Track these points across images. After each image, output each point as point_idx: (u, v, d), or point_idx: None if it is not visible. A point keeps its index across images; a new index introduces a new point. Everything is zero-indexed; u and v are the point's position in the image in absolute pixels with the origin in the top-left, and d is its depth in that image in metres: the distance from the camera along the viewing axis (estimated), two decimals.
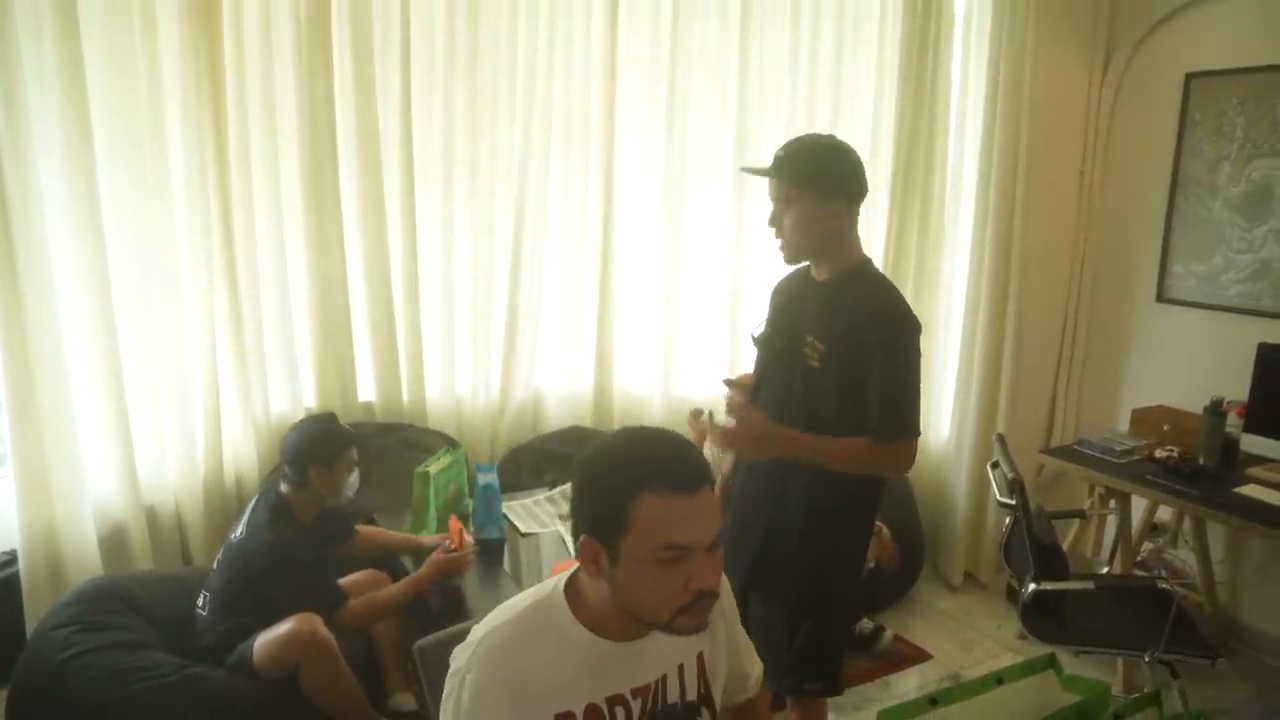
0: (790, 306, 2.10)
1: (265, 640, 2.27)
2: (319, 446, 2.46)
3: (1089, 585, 2.74)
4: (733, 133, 3.51)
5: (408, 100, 3.02)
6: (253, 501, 2.51)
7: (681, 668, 1.33)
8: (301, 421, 2.62)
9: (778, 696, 2.14)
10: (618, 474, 1.17)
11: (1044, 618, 2.67)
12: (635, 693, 1.28)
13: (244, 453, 2.97)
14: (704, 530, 1.16)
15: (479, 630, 1.27)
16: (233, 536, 2.44)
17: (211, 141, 2.72)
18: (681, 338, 3.60)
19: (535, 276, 3.32)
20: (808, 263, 2.08)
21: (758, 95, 3.53)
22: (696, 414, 3.30)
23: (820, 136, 2.01)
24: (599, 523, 1.18)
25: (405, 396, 3.24)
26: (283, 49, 2.83)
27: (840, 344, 1.92)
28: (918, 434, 1.94)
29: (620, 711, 1.27)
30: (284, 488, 2.47)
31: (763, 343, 2.16)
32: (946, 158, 3.75)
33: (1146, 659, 2.57)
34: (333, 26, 2.87)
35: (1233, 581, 3.68)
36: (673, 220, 3.48)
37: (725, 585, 1.40)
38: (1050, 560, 2.70)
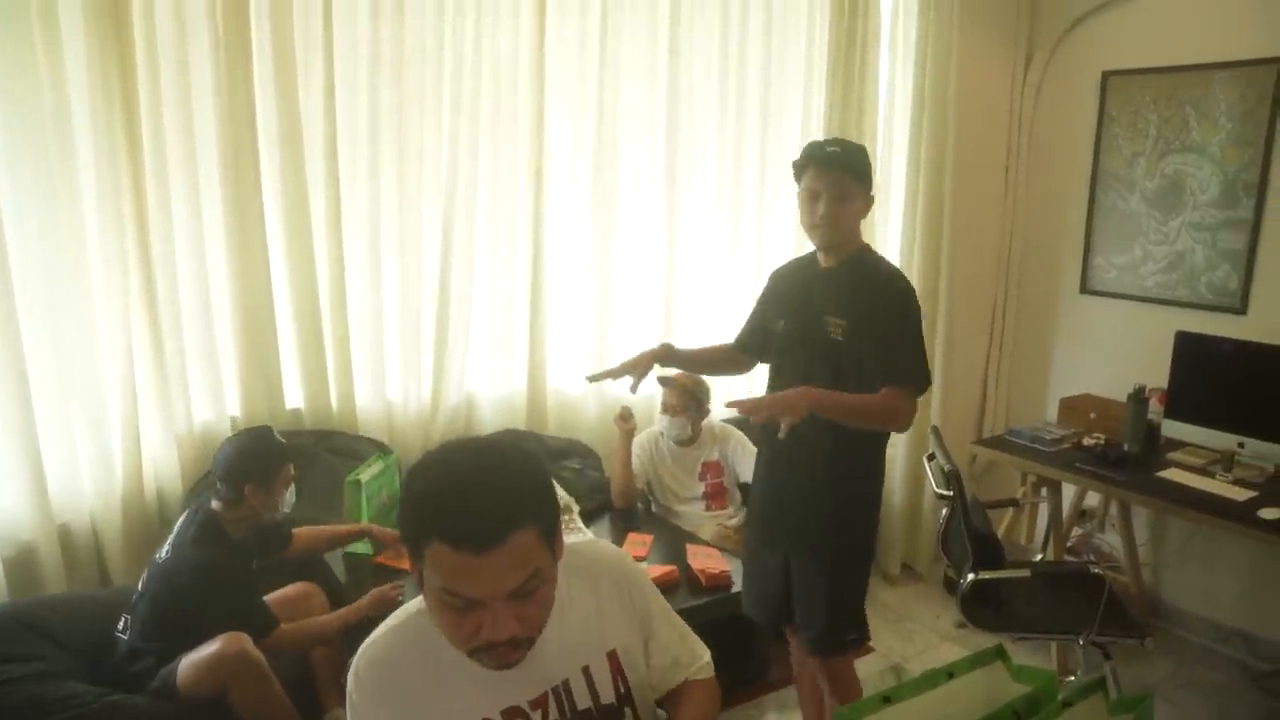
0: (802, 294, 2.32)
1: (190, 662, 2.17)
2: (255, 463, 2.38)
3: (1025, 573, 2.79)
4: (663, 132, 3.50)
5: (332, 101, 2.92)
6: (181, 519, 2.41)
7: (588, 669, 1.28)
8: (236, 436, 2.52)
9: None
10: (414, 509, 1.09)
11: (982, 606, 2.71)
12: (534, 704, 1.23)
13: (165, 466, 2.83)
14: (490, 587, 1.06)
15: (361, 647, 1.22)
16: (158, 556, 2.33)
17: (123, 142, 2.59)
18: (614, 338, 3.56)
19: (465, 279, 3.25)
20: (810, 256, 2.34)
21: (688, 93, 3.52)
22: (626, 414, 3.27)
23: (849, 139, 2.33)
24: (405, 542, 1.11)
25: (334, 403, 3.15)
26: (199, 46, 2.71)
27: (862, 317, 2.16)
28: (928, 383, 2.21)
29: None
30: (215, 504, 2.38)
31: (785, 329, 2.33)
32: (875, 155, 3.78)
33: (1081, 642, 2.62)
34: (251, 25, 2.76)
35: (1155, 563, 3.80)
36: (604, 220, 3.45)
37: (621, 566, 1.36)
38: (987, 550, 2.74)
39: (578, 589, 1.29)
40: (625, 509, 3.33)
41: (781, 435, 1.91)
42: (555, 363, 3.51)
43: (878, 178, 3.79)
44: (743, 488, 3.51)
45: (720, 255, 3.72)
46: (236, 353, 2.96)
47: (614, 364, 3.47)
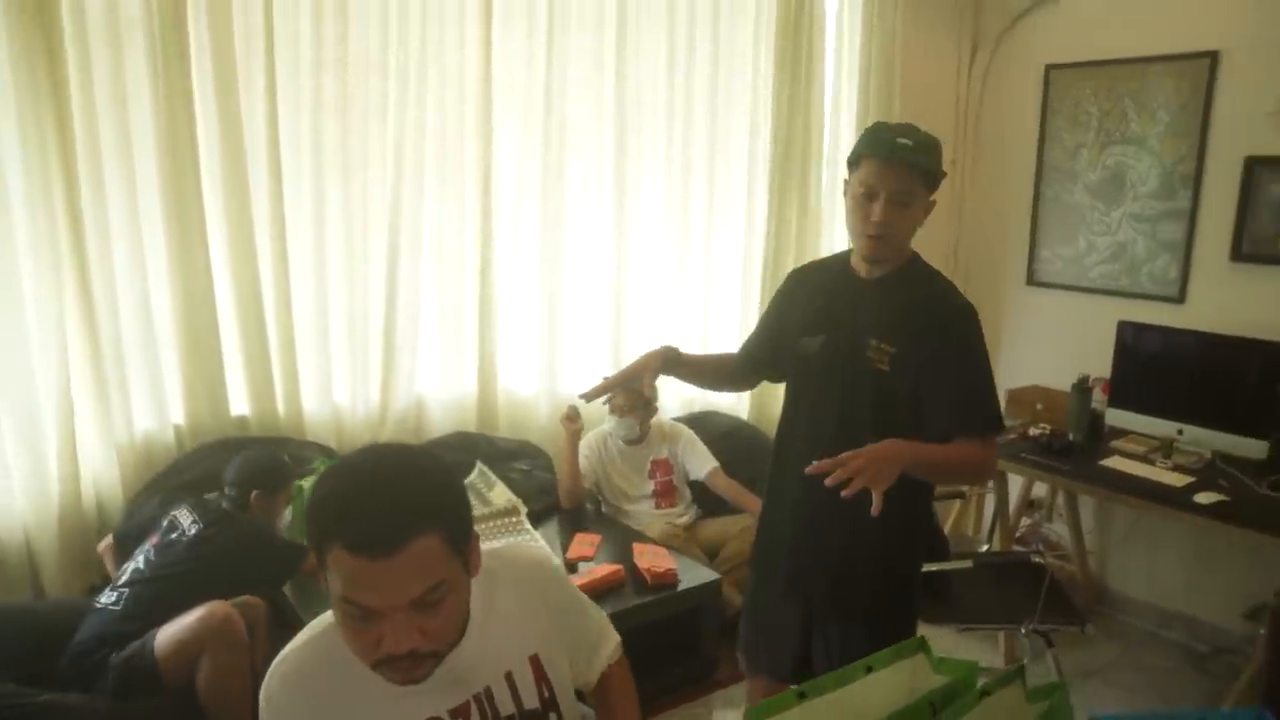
0: (835, 308, 1.93)
1: (173, 627, 2.23)
2: (263, 474, 2.61)
3: (968, 565, 2.82)
4: (611, 128, 3.48)
5: (274, 103, 2.88)
6: (185, 514, 2.47)
7: (510, 675, 1.26)
8: (249, 450, 2.72)
9: None
10: (316, 513, 1.07)
11: (928, 598, 2.73)
12: (454, 713, 1.22)
13: (105, 475, 2.78)
14: (389, 597, 1.04)
15: (273, 663, 1.20)
16: (176, 536, 2.41)
17: (54, 140, 2.52)
18: (565, 338, 3.55)
19: (413, 281, 3.23)
20: (840, 259, 1.99)
21: (635, 89, 3.51)
22: (573, 414, 3.25)
23: (921, 129, 1.84)
24: (312, 548, 1.09)
25: (281, 408, 3.11)
26: (134, 46, 2.66)
27: (916, 346, 1.80)
28: (1004, 426, 1.90)
29: None
30: (225, 505, 2.56)
31: (821, 350, 1.92)
32: (823, 148, 3.82)
33: (1023, 631, 2.66)
34: (189, 24, 2.71)
35: (1101, 551, 3.86)
36: (553, 220, 3.43)
37: (541, 567, 1.35)
38: (933, 543, 2.77)
39: (500, 594, 1.27)
40: (573, 509, 3.32)
41: (874, 513, 1.55)
42: (505, 364, 3.49)
43: (824, 169, 3.83)
44: (693, 485, 3.52)
45: (668, 253, 3.72)
46: (179, 359, 2.91)
47: (565, 367, 3.55)
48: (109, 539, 2.64)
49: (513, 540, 2.87)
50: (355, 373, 3.22)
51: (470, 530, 1.15)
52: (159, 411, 2.90)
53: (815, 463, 1.60)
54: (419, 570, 1.05)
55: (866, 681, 1.21)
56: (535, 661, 1.29)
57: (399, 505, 1.05)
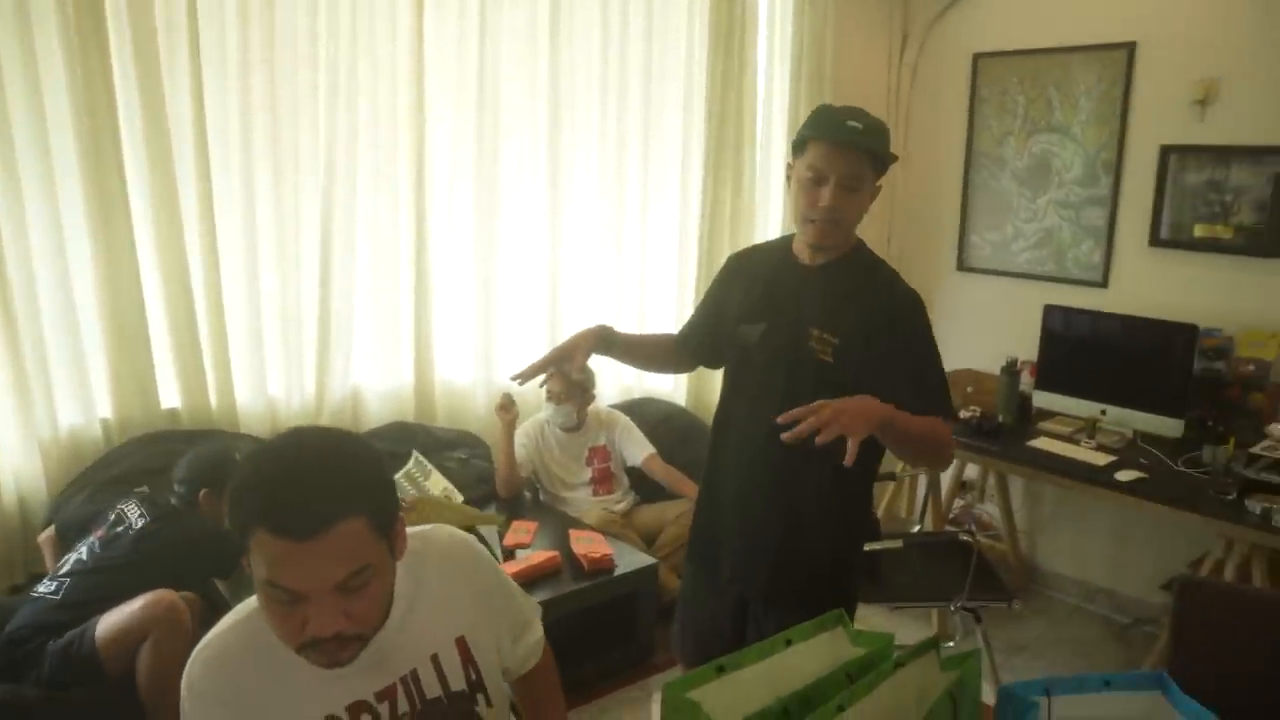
0: (777, 296, 1.87)
1: (115, 614, 2.21)
2: (212, 472, 2.53)
3: (898, 544, 2.88)
4: (545, 117, 3.48)
5: (199, 88, 2.82)
6: (132, 508, 2.46)
7: (436, 658, 1.27)
8: (199, 447, 2.68)
9: None
10: (239, 496, 1.06)
11: (862, 579, 2.78)
12: (380, 695, 1.22)
13: (27, 472, 2.70)
14: (314, 579, 1.04)
15: (194, 651, 1.19)
16: (122, 529, 2.40)
17: None
18: (501, 326, 3.54)
19: (347, 271, 3.19)
20: (782, 244, 1.93)
21: (569, 78, 3.51)
22: (507, 402, 3.24)
23: (869, 113, 1.77)
24: (236, 532, 1.08)
25: (213, 401, 3.05)
26: (45, 32, 2.57)
27: (861, 336, 1.74)
28: (956, 416, 1.86)
29: (367, 719, 1.21)
30: (175, 502, 2.53)
31: (762, 338, 1.86)
32: (755, 134, 3.85)
33: (953, 608, 2.73)
34: (106, 10, 2.63)
35: (1031, 530, 3.97)
36: (487, 206, 3.41)
37: (453, 544, 1.35)
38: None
39: (425, 577, 1.27)
40: (511, 498, 3.32)
41: (848, 462, 1.47)
42: (442, 354, 3.47)
43: (757, 155, 3.86)
44: (630, 472, 3.54)
45: (604, 234, 3.73)
46: (105, 352, 2.84)
47: (502, 355, 3.53)
48: (50, 530, 2.60)
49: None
50: (289, 364, 3.17)
51: (395, 513, 1.15)
52: (85, 405, 2.83)
53: (790, 413, 1.52)
54: (344, 553, 1.05)
55: (786, 654, 1.23)
56: (461, 644, 1.30)
57: (323, 488, 1.05)
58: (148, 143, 2.77)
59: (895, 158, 1.80)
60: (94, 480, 2.73)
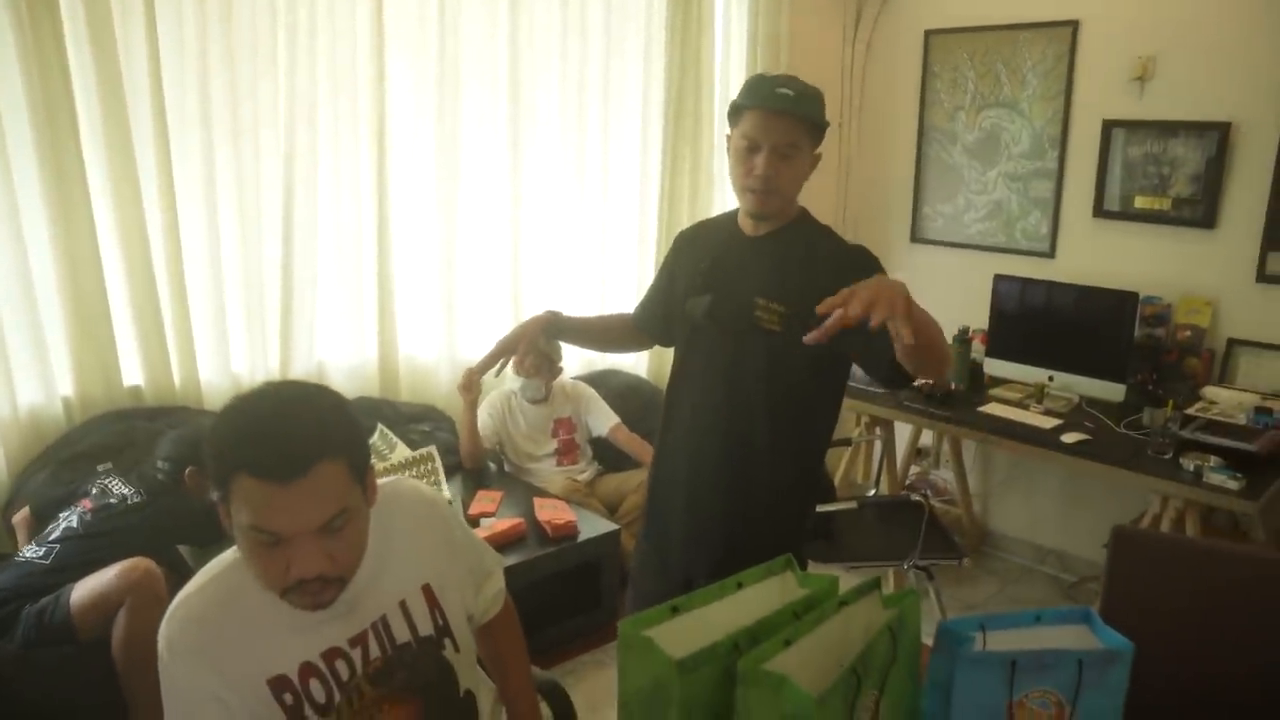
0: (722, 267, 1.85)
1: (92, 580, 2.23)
2: (198, 449, 2.58)
3: (853, 505, 2.97)
4: (505, 88, 3.50)
5: (157, 60, 2.80)
6: (117, 484, 2.50)
7: (405, 604, 1.32)
8: (182, 426, 2.73)
9: None
10: (219, 445, 1.11)
11: (815, 539, 2.87)
12: (353, 641, 1.26)
13: None
14: (297, 521, 1.09)
15: (169, 609, 1.22)
16: (115, 501, 2.44)
17: None
18: (464, 302, 3.57)
19: (309, 246, 3.20)
20: (729, 217, 1.92)
21: (529, 49, 3.53)
22: (468, 379, 3.24)
23: (802, 80, 1.76)
24: (214, 483, 1.12)
25: (177, 378, 3.05)
26: None
27: (810, 298, 1.52)
28: None
29: (342, 665, 1.25)
30: (161, 478, 2.55)
31: (707, 311, 1.83)
32: (714, 108, 3.90)
33: (906, 566, 2.82)
34: None
35: (985, 493, 4.09)
36: (449, 181, 3.43)
37: (420, 495, 1.40)
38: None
39: (394, 526, 1.32)
40: (475, 469, 3.38)
41: (908, 340, 1.32)
42: (406, 329, 3.50)
43: (716, 129, 3.91)
44: (593, 442, 3.60)
45: (566, 215, 3.77)
46: (65, 330, 2.82)
47: (464, 331, 3.55)
48: (25, 511, 2.60)
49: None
50: (253, 340, 3.18)
51: (369, 460, 1.21)
52: (45, 384, 2.81)
53: (827, 301, 1.37)
54: (325, 495, 1.10)
55: (737, 596, 1.31)
56: (428, 590, 1.35)
57: (303, 431, 1.10)
58: (104, 117, 2.74)
59: (828, 124, 1.79)
60: (55, 458, 2.73)
